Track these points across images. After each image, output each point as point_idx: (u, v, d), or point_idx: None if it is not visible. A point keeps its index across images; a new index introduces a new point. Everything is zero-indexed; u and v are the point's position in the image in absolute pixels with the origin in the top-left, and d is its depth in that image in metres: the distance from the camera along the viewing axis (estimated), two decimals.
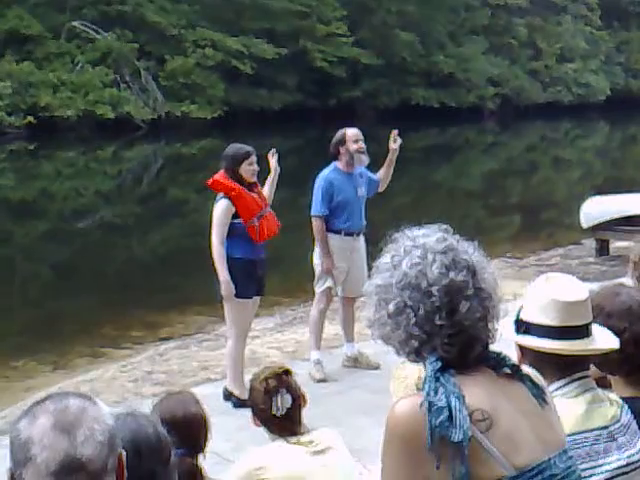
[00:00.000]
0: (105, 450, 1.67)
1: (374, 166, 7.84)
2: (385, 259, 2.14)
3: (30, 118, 28.79)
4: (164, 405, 3.50)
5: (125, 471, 1.74)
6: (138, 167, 26.97)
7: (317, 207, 7.41)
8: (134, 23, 33.77)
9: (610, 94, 48.97)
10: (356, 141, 7.48)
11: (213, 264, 6.66)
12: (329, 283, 7.48)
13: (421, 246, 2.10)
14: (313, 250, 7.57)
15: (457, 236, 2.16)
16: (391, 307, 2.07)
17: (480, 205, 20.92)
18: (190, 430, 3.42)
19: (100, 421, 1.69)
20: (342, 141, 7.48)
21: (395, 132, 7.78)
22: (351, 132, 7.53)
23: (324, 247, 7.40)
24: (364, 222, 7.61)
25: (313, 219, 7.44)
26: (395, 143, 7.78)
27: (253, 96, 36.13)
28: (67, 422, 1.66)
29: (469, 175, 26.53)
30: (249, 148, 6.81)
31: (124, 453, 1.74)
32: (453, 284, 2.05)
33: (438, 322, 2.04)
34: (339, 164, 7.51)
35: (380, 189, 7.88)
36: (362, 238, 7.61)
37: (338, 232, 7.45)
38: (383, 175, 7.85)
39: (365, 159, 7.56)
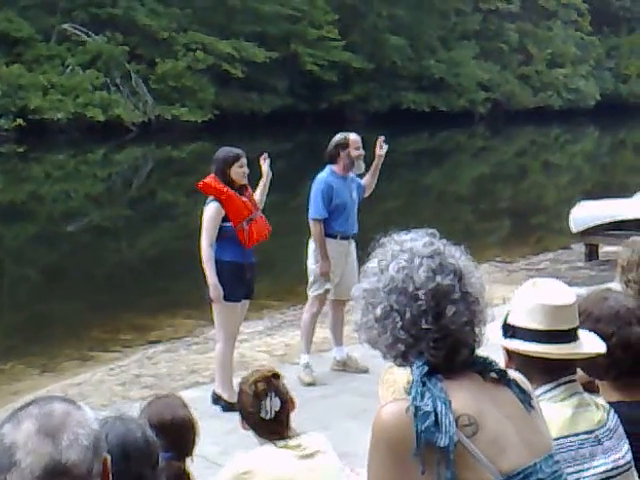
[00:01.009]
0: (90, 454, 1.66)
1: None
2: (372, 263, 2.14)
3: (20, 121, 28.72)
4: (152, 409, 3.49)
5: (110, 475, 1.73)
6: (128, 170, 26.92)
7: (317, 210, 7.36)
8: (125, 26, 33.73)
9: (600, 99, 49.16)
10: (357, 148, 7.48)
11: (202, 267, 6.66)
12: (326, 286, 7.45)
13: (408, 250, 2.10)
14: (306, 254, 7.56)
15: (444, 240, 2.16)
16: (378, 311, 2.07)
17: (470, 209, 20.94)
18: (178, 434, 3.41)
19: (85, 425, 1.68)
20: (344, 145, 7.45)
21: (381, 138, 7.73)
22: (354, 138, 7.51)
23: (323, 250, 7.37)
24: (357, 226, 7.61)
25: (312, 222, 7.39)
26: (381, 150, 7.75)
27: (244, 100, 36.14)
28: (51, 426, 1.65)
29: (459, 179, 26.57)
30: (239, 151, 6.81)
31: (109, 457, 1.74)
32: (439, 288, 2.05)
33: (424, 326, 2.04)
34: (336, 167, 7.47)
35: (365, 195, 7.87)
36: (353, 242, 7.61)
37: (334, 236, 7.43)
38: (368, 181, 7.85)
39: (363, 166, 7.57)
